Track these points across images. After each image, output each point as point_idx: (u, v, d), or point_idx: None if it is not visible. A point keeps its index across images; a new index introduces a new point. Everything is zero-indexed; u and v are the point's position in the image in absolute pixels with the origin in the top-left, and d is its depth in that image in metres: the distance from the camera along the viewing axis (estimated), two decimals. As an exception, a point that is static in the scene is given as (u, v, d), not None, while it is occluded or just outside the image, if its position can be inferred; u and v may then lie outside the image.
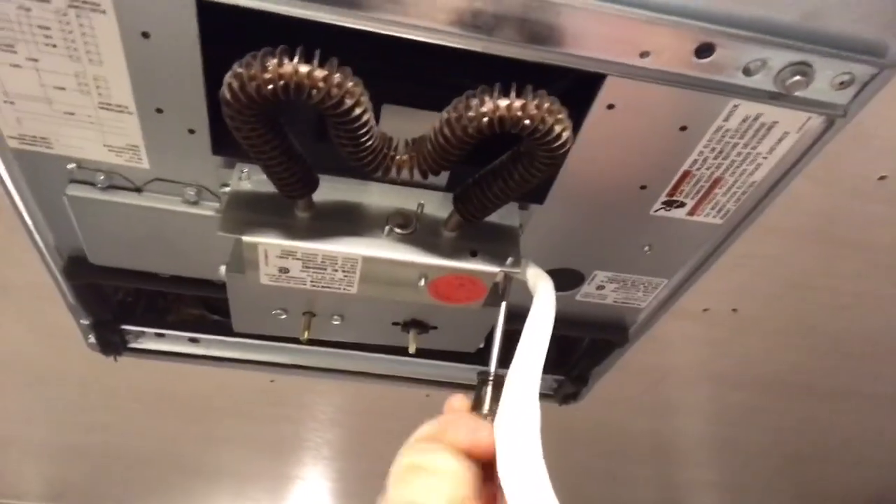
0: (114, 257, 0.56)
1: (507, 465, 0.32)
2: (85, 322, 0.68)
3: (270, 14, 0.36)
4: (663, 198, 0.48)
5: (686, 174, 0.46)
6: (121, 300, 0.70)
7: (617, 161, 0.45)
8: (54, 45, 0.40)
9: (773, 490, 1.18)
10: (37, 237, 0.56)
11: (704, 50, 0.36)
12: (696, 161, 0.44)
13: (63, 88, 0.42)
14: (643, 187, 0.47)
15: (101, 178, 0.49)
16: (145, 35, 0.38)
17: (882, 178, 0.48)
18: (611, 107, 0.40)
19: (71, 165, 0.48)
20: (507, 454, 0.32)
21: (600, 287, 0.60)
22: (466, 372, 0.78)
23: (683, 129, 0.42)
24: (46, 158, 0.47)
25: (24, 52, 0.40)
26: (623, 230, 0.52)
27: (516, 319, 0.61)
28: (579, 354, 0.74)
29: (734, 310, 0.65)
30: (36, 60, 0.41)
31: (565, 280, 0.59)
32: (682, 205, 0.49)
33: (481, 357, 0.71)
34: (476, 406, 0.40)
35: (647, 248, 0.54)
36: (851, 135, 0.42)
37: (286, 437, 1.03)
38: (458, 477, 0.33)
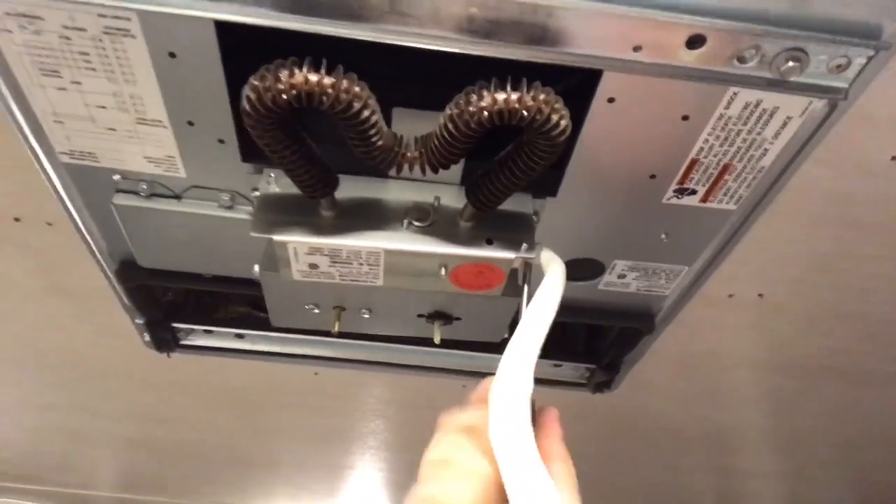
0: (160, 260, 0.61)
1: (498, 431, 0.33)
2: (139, 321, 0.73)
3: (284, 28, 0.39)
4: (674, 186, 0.49)
5: (694, 162, 0.46)
6: (171, 300, 0.75)
7: (624, 152, 0.46)
8: (94, 69, 0.43)
9: (829, 478, 1.16)
10: (91, 244, 0.61)
11: (696, 41, 0.37)
12: (702, 149, 0.45)
13: (104, 107, 0.46)
14: (653, 177, 0.48)
15: (144, 186, 0.53)
16: (172, 55, 0.42)
17: (894, 158, 0.47)
18: (611, 100, 0.42)
19: (116, 176, 0.52)
20: (499, 421, 0.33)
21: (622, 276, 0.61)
22: (491, 360, 0.79)
23: (686, 118, 0.43)
24: (94, 171, 0.52)
25: (68, 76, 0.44)
26: (638, 219, 0.53)
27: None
28: (608, 343, 0.75)
29: (760, 295, 0.65)
30: (79, 83, 0.45)
31: (587, 270, 0.60)
32: (694, 192, 0.49)
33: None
34: None
35: (663, 236, 0.55)
36: (858, 117, 0.42)
37: (333, 427, 1.08)
38: (488, 482, 0.34)
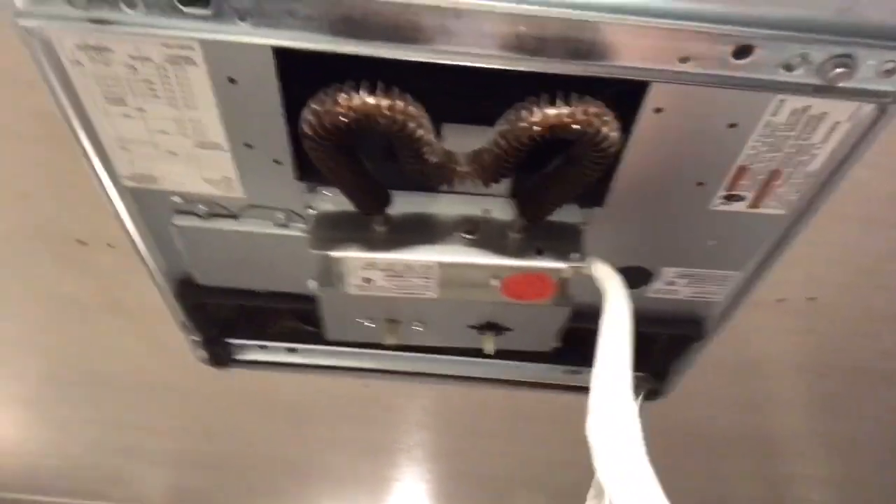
0: (217, 278, 0.63)
1: (610, 470, 0.30)
2: (195, 338, 0.76)
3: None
4: (722, 192, 0.49)
5: (742, 169, 0.47)
6: (225, 316, 0.77)
7: (671, 161, 0.47)
8: (157, 96, 0.46)
9: (880, 482, 1.13)
10: (151, 264, 0.63)
11: (742, 52, 0.37)
12: (750, 156, 0.45)
13: (166, 132, 0.49)
14: (700, 184, 0.48)
15: (202, 207, 0.55)
16: (232, 80, 0.44)
17: (946, 158, 0.47)
18: (658, 110, 0.42)
19: (176, 198, 0.55)
20: (609, 460, 0.31)
21: (670, 283, 0.61)
22: (546, 372, 0.80)
23: (733, 125, 0.43)
24: (155, 194, 0.54)
25: (132, 104, 0.46)
26: (686, 227, 0.53)
27: (588, 317, 0.63)
28: (658, 350, 0.74)
29: (811, 298, 0.64)
30: (143, 110, 0.47)
31: (634, 278, 0.61)
32: (742, 198, 0.49)
33: (559, 356, 0.74)
34: None
35: (712, 243, 0.55)
36: (909, 120, 0.42)
37: (381, 439, 1.09)
38: None
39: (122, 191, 0.54)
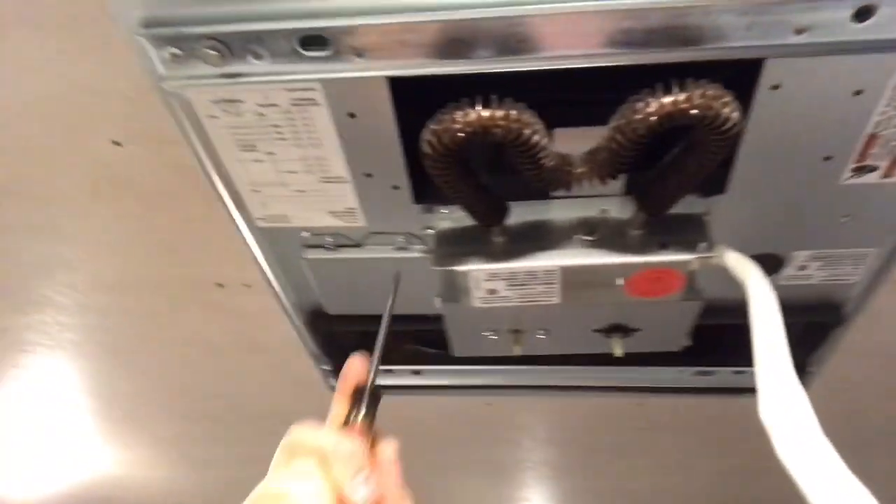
0: (346, 306, 0.66)
1: (792, 452, 0.30)
2: (326, 367, 0.79)
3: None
4: (852, 165, 0.47)
5: (872, 137, 0.44)
6: (352, 344, 0.80)
7: (794, 138, 0.45)
8: (284, 138, 0.49)
9: None
10: (283, 298, 0.67)
11: (863, 13, 0.36)
12: (879, 122, 0.43)
13: (294, 172, 0.52)
14: (828, 158, 0.46)
15: (329, 240, 0.58)
16: (351, 115, 0.47)
17: None
18: (776, 87, 0.41)
19: (305, 234, 0.58)
20: (788, 445, 0.31)
21: (802, 267, 0.58)
22: (675, 374, 0.78)
23: (858, 93, 0.41)
24: (286, 232, 0.58)
25: (262, 149, 0.50)
26: (815, 205, 0.51)
27: (719, 312, 0.62)
28: (794, 341, 0.71)
29: (963, 269, 0.59)
30: (272, 153, 0.51)
31: (764, 266, 0.58)
32: (874, 168, 0.47)
33: (688, 358, 0.72)
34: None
35: (844, 219, 0.52)
36: None
37: (507, 458, 1.09)
38: None
39: (256, 232, 0.58)
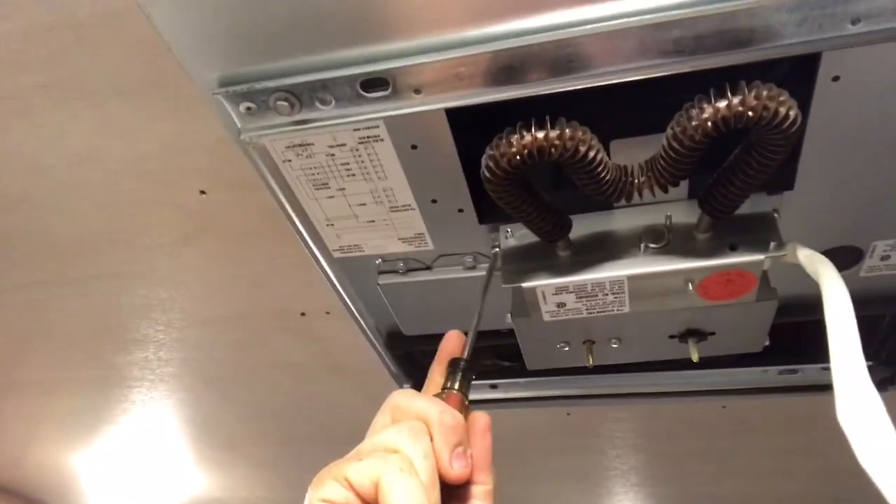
0: (420, 326, 0.68)
1: (870, 455, 0.31)
2: (406, 386, 0.82)
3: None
4: (926, 147, 0.45)
5: (947, 116, 0.43)
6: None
7: (860, 126, 0.44)
8: (353, 175, 0.52)
9: None
10: (362, 323, 0.70)
11: (920, -3, 0.36)
12: (951, 102, 0.42)
13: (364, 204, 0.55)
14: (899, 142, 0.45)
15: (401, 265, 0.61)
16: (414, 147, 0.49)
17: None
18: (836, 79, 0.41)
19: (378, 261, 0.61)
20: (867, 449, 0.31)
21: (885, 257, 0.56)
22: (759, 375, 0.76)
23: (924, 75, 0.40)
24: (360, 260, 0.61)
25: (334, 186, 0.53)
26: (890, 191, 0.49)
27: (799, 309, 0.60)
28: (883, 334, 0.68)
29: None
30: (343, 189, 0.54)
31: (843, 259, 0.57)
32: (952, 148, 0.45)
33: (772, 357, 0.70)
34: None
35: (926, 204, 0.50)
36: None
37: (591, 467, 1.08)
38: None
39: (333, 263, 0.62)
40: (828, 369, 0.73)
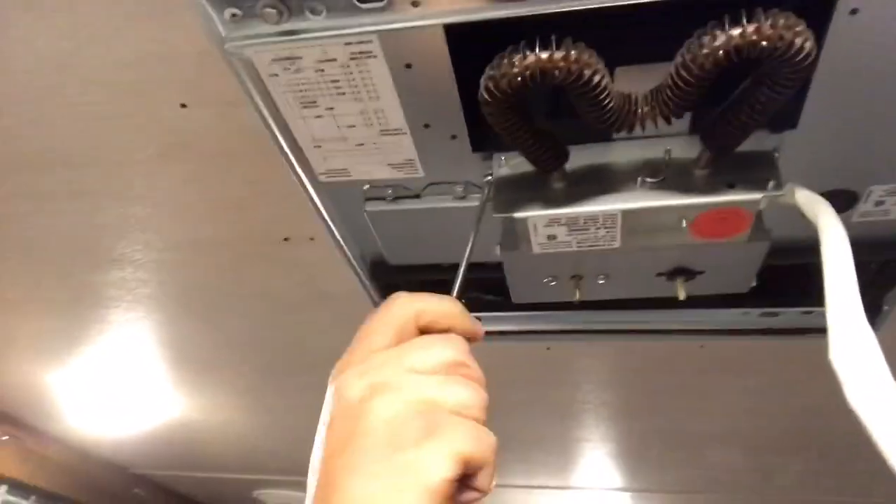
0: (406, 256, 0.67)
1: (861, 396, 0.30)
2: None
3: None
4: (936, 89, 0.44)
5: (961, 57, 0.42)
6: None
7: (873, 65, 0.43)
8: (343, 93, 0.50)
9: None
10: (347, 251, 0.69)
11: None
12: (969, 41, 0.41)
13: (353, 126, 0.53)
14: (909, 84, 0.44)
15: (389, 191, 0.59)
16: (408, 66, 0.47)
17: None
18: (854, 11, 0.39)
19: (365, 187, 0.59)
20: (857, 389, 0.31)
21: (879, 203, 0.56)
22: (740, 316, 0.76)
23: (947, 10, 0.39)
24: (347, 185, 0.59)
25: (322, 104, 0.51)
26: (894, 136, 0.49)
27: (786, 252, 0.60)
28: (868, 280, 0.69)
29: None
30: (332, 108, 0.51)
31: (837, 202, 0.56)
32: (963, 92, 0.44)
33: (753, 299, 0.71)
34: None
35: (927, 149, 0.49)
36: None
37: (567, 401, 1.10)
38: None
39: (318, 187, 0.60)
40: (809, 313, 0.75)
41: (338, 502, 0.29)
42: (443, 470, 0.29)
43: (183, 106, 0.54)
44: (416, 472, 0.29)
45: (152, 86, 0.52)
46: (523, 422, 1.24)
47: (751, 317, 0.76)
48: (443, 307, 0.37)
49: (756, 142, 0.47)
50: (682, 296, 0.58)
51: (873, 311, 0.70)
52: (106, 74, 0.52)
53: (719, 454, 1.30)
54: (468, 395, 0.33)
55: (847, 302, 0.35)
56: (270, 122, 0.53)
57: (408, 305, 0.37)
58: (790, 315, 0.73)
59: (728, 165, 0.46)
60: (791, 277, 0.71)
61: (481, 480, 0.32)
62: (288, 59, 0.47)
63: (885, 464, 0.30)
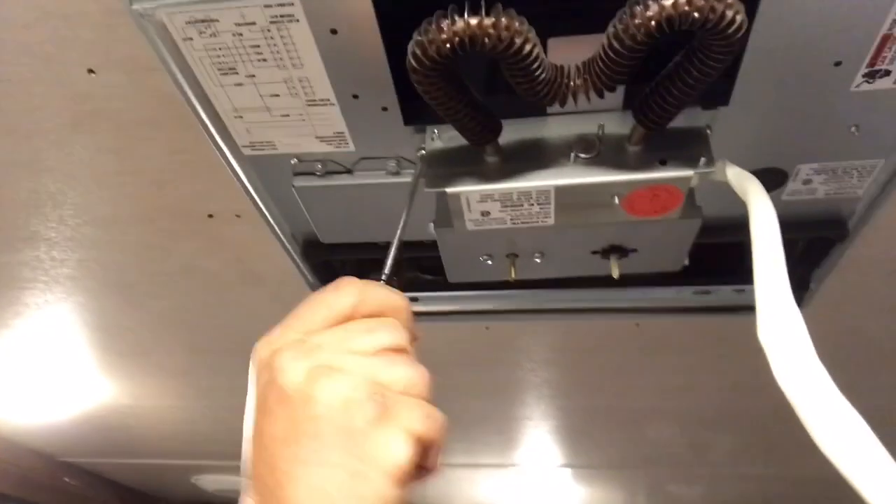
0: (339, 234, 0.65)
1: (787, 376, 0.31)
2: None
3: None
4: (863, 70, 0.45)
5: (886, 38, 0.42)
6: (348, 273, 0.80)
7: (803, 43, 0.43)
8: (265, 60, 0.47)
9: None
10: (276, 228, 0.66)
11: None
12: (895, 21, 0.41)
13: (277, 95, 0.50)
14: (838, 63, 0.44)
15: (319, 166, 0.56)
16: (333, 31, 0.44)
17: None
18: (785, -15, 0.39)
19: (293, 161, 0.56)
20: (784, 366, 0.31)
21: (807, 181, 0.57)
22: (674, 294, 0.77)
23: (875, -13, 0.39)
24: (273, 159, 0.56)
25: (243, 71, 0.48)
26: (823, 115, 0.49)
27: (719, 231, 0.60)
28: (796, 258, 0.70)
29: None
30: (253, 76, 0.48)
31: (767, 180, 0.56)
32: (887, 73, 0.45)
33: (687, 277, 0.71)
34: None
35: (853, 129, 0.50)
36: None
37: (507, 380, 1.10)
38: None
39: (243, 160, 0.57)
40: (741, 291, 0.76)
41: (294, 496, 0.27)
42: (402, 452, 0.29)
43: (91, 71, 0.50)
44: (376, 458, 0.28)
45: (55, 48, 0.48)
46: (465, 402, 1.24)
47: (685, 294, 0.77)
48: (392, 300, 0.36)
49: (688, 118, 0.46)
50: (615, 274, 0.57)
51: (801, 288, 0.72)
52: (5, 35, 0.47)
53: (656, 430, 1.33)
54: (415, 374, 0.32)
55: (775, 280, 0.35)
56: (187, 89, 0.49)
57: (356, 292, 0.35)
58: (723, 293, 0.74)
59: (660, 142, 0.46)
60: (724, 256, 0.72)
61: (430, 459, 0.32)
62: (203, 21, 0.44)
63: (809, 436, 0.30)
